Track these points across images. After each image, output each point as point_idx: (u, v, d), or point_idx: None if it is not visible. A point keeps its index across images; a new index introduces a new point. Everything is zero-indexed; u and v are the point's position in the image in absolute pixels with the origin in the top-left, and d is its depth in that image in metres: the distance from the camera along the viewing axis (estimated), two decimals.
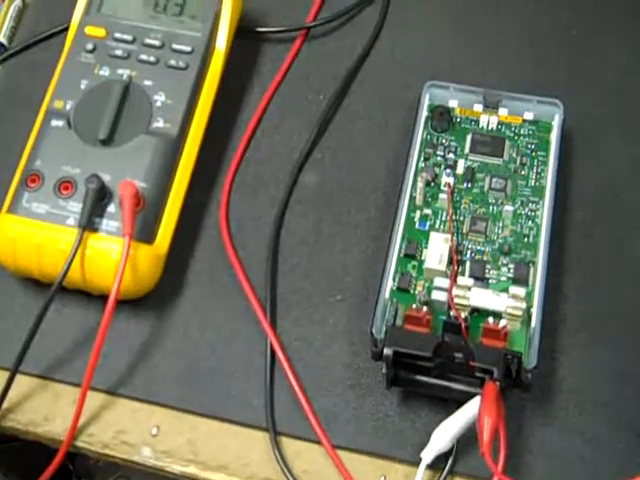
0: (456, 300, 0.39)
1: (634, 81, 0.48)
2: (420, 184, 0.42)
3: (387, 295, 0.40)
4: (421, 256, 0.42)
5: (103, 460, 0.43)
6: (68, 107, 0.44)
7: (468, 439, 0.39)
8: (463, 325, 0.39)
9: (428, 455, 0.39)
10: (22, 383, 0.42)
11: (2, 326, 0.44)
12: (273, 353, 0.42)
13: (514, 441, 0.39)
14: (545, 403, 0.41)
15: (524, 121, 0.45)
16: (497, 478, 0.36)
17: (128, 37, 0.45)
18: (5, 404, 0.42)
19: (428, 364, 0.38)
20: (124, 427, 0.42)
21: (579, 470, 0.39)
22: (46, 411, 0.42)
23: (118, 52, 0.45)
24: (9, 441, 0.53)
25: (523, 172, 0.44)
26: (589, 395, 0.41)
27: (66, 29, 0.50)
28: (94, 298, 0.43)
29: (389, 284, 0.41)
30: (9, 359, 0.42)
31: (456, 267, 0.41)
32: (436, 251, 0.41)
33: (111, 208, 0.42)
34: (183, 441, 0.41)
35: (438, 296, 0.40)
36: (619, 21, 0.50)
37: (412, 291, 0.41)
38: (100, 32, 0.46)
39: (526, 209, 0.43)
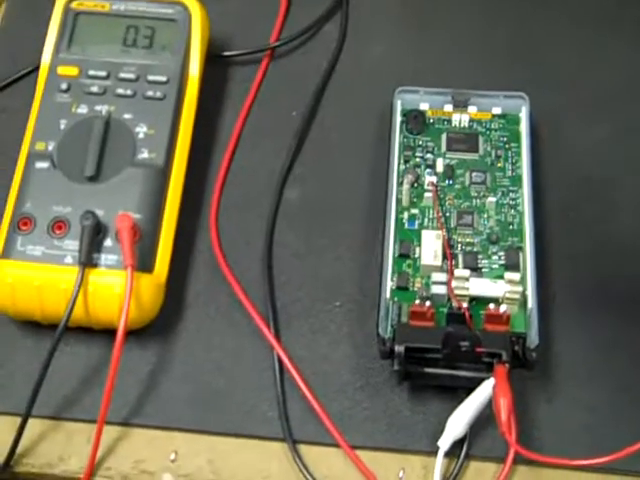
0: (456, 291, 0.41)
1: (588, 70, 0.51)
2: (406, 185, 0.44)
3: (388, 295, 0.42)
4: (414, 254, 0.43)
5: None
6: (50, 148, 0.44)
7: (477, 423, 0.41)
8: (467, 314, 0.40)
9: (445, 443, 0.40)
10: (33, 426, 0.42)
11: (4, 371, 0.44)
12: (281, 365, 0.43)
13: (521, 418, 0.41)
14: (545, 379, 0.43)
15: (493, 116, 0.47)
16: (514, 450, 0.39)
17: (102, 73, 0.46)
18: (18, 449, 0.41)
19: (436, 355, 0.40)
20: (142, 456, 0.42)
21: (585, 440, 0.41)
22: (60, 451, 0.42)
23: (94, 89, 0.46)
24: None
25: (499, 164, 0.46)
26: (586, 366, 0.43)
27: (30, 72, 0.50)
28: (95, 333, 0.44)
29: (389, 284, 0.42)
30: (15, 404, 0.42)
31: (451, 261, 0.43)
32: (430, 248, 0.43)
33: (107, 242, 0.42)
34: (202, 462, 0.42)
35: (438, 290, 0.42)
36: (568, 16, 0.53)
37: (411, 288, 0.43)
38: (73, 71, 0.46)
39: (507, 198, 0.45)
